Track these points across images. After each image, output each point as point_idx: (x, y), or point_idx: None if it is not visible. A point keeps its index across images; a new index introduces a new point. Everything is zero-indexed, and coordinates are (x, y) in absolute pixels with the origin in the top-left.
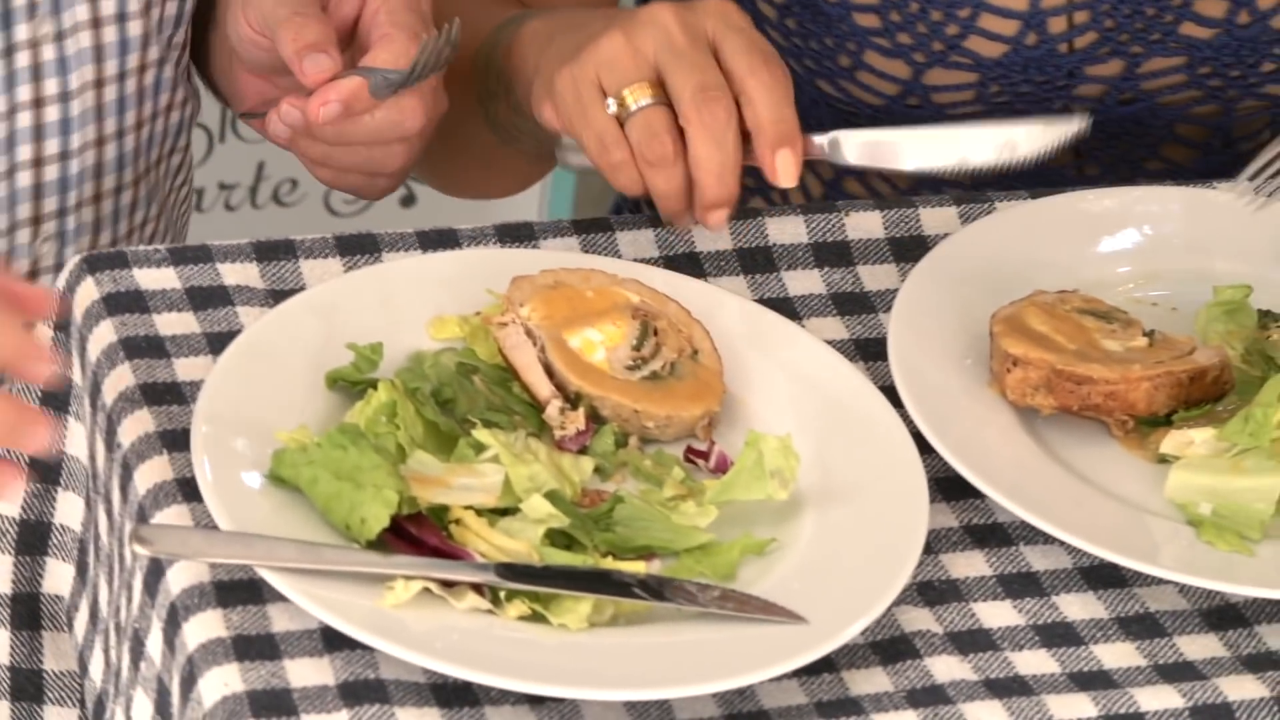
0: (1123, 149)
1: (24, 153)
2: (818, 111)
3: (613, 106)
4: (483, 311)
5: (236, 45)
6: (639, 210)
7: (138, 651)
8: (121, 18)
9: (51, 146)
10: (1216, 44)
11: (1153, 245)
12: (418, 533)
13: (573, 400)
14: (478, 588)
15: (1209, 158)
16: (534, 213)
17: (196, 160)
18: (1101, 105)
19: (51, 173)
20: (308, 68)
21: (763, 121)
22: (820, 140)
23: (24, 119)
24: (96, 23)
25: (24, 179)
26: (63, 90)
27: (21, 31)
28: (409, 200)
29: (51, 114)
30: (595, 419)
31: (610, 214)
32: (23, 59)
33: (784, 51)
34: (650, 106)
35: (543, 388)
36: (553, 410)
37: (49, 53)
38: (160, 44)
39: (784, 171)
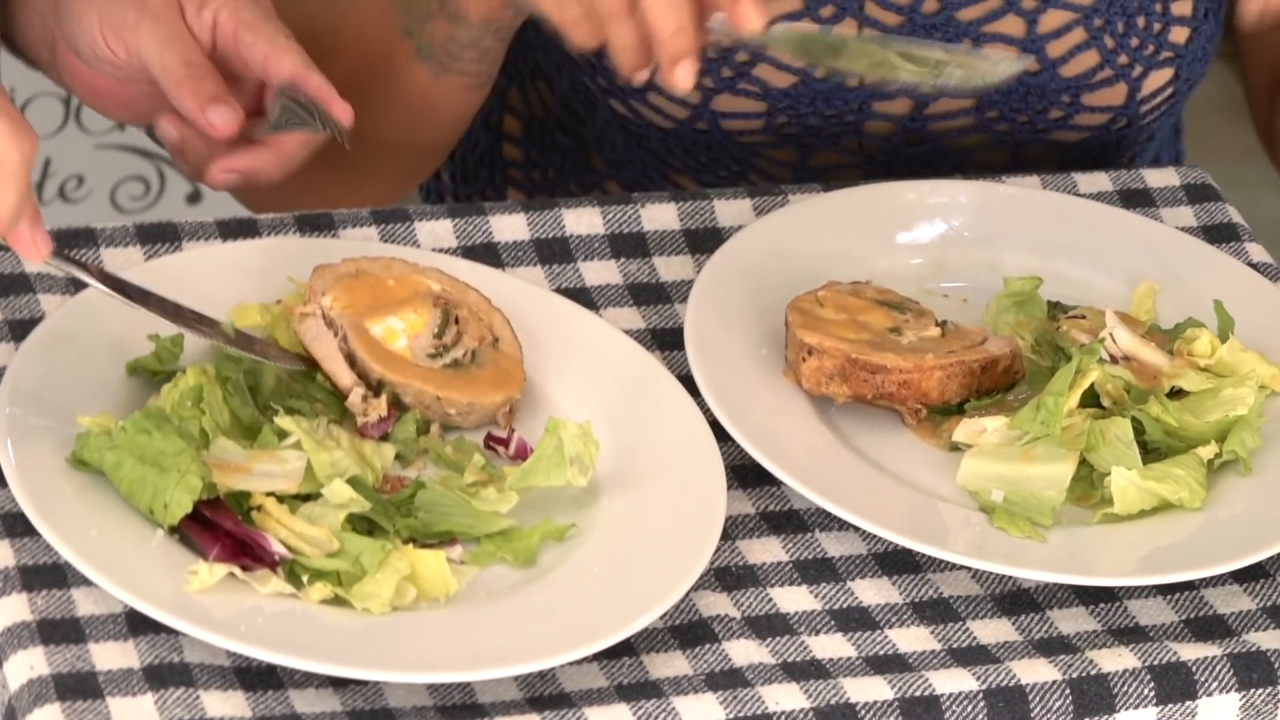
0: None
1: None
2: (610, 132)
3: None
4: (284, 300)
5: (89, 60)
6: (441, 199)
7: None
8: None
9: None
10: (1005, 88)
11: (944, 238)
12: (213, 516)
13: (375, 388)
14: (280, 571)
15: None
16: None
17: None
18: (889, 145)
19: None
20: (215, 120)
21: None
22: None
23: None
24: None
25: None
26: None
27: None
28: (194, 197)
29: None
30: (397, 406)
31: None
32: None
33: (580, 68)
34: None
35: (344, 377)
36: (355, 397)
37: None
38: None
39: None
